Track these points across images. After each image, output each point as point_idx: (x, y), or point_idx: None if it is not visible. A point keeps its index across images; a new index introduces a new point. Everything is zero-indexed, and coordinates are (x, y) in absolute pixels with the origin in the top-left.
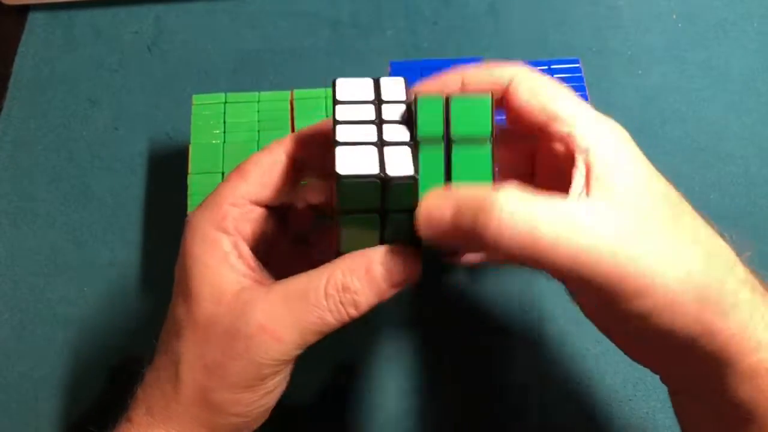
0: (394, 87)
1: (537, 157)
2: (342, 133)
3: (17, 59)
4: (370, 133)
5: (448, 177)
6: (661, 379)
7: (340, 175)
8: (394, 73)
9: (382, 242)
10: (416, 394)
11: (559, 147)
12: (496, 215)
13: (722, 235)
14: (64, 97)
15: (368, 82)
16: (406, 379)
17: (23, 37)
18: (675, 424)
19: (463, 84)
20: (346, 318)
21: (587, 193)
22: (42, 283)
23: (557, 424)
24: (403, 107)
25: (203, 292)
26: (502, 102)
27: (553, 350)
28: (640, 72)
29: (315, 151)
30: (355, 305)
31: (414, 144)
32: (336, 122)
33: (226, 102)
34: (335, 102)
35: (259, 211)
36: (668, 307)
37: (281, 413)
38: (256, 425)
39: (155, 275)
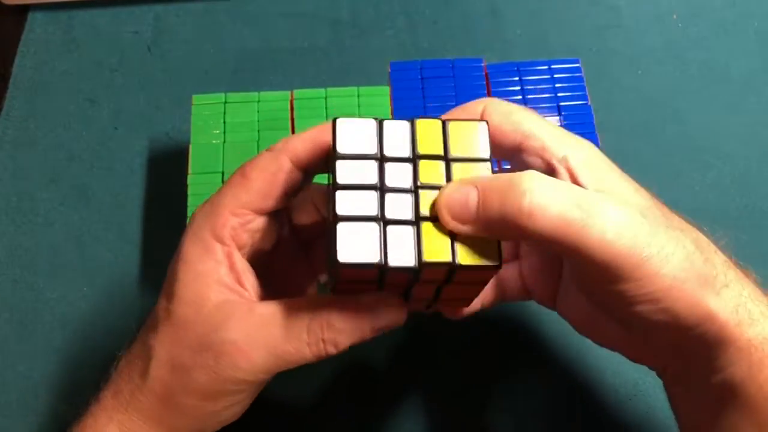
0: (397, 135)
1: None
2: (342, 204)
3: (17, 59)
4: (371, 203)
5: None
6: (657, 373)
7: (339, 262)
8: (394, 73)
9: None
10: (415, 393)
11: (536, 161)
12: (528, 196)
13: (700, 228)
14: (64, 97)
15: (371, 125)
16: (404, 378)
17: (23, 37)
18: (675, 423)
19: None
20: (323, 355)
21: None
22: (42, 283)
23: (557, 423)
24: (409, 167)
25: (186, 297)
26: None
27: (553, 350)
28: (640, 72)
29: (320, 155)
30: (336, 344)
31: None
32: (336, 186)
33: (226, 102)
34: (336, 155)
35: (260, 220)
36: (673, 292)
37: (281, 413)
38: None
39: (155, 275)
